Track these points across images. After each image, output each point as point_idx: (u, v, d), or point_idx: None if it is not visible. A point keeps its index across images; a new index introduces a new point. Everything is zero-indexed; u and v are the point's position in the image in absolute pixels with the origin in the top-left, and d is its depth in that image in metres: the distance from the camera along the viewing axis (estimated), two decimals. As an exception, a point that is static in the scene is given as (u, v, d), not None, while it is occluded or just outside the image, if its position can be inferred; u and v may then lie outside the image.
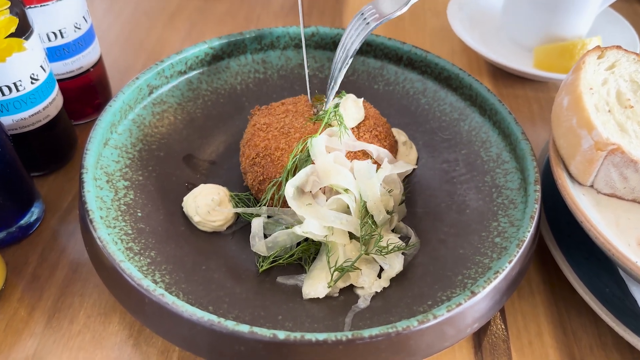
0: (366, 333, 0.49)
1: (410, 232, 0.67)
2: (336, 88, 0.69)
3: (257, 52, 0.83)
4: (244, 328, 0.48)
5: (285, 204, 0.65)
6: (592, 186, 0.66)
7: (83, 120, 0.87)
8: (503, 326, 0.64)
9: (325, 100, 0.70)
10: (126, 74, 0.96)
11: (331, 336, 0.48)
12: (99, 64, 0.84)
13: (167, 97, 0.77)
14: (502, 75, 0.98)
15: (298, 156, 0.64)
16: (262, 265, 0.63)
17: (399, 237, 0.67)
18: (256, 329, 0.48)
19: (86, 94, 0.84)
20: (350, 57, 0.67)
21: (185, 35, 1.07)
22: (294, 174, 0.64)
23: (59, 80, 0.79)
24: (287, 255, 0.63)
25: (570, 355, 0.62)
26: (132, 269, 0.53)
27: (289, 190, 0.62)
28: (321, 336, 0.48)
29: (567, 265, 0.65)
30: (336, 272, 0.61)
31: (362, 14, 0.68)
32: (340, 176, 0.63)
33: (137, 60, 1.00)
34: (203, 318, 0.49)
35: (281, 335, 0.48)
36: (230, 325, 0.49)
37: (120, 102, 0.70)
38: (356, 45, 0.67)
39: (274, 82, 0.83)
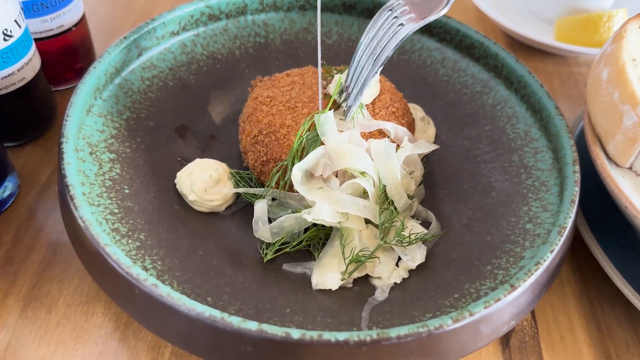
0: (393, 333, 0.42)
1: (431, 216, 0.60)
2: (359, 101, 0.58)
3: (258, 13, 0.75)
4: (251, 325, 0.42)
5: (292, 190, 0.58)
6: (630, 168, 0.59)
7: (63, 87, 0.79)
8: (532, 320, 0.58)
9: (340, 88, 0.61)
10: (112, 36, 0.87)
11: (353, 336, 0.41)
12: (81, 23, 0.75)
13: (157, 60, 0.69)
14: (520, 48, 0.91)
15: (305, 135, 0.57)
16: (266, 254, 0.56)
17: (418, 221, 0.60)
18: (266, 327, 0.41)
19: (67, 56, 0.76)
20: (380, 66, 0.56)
21: (176, -3, 0.98)
22: (301, 156, 0.57)
23: (36, 40, 0.70)
24: (294, 243, 0.56)
25: (606, 352, 0.56)
26: (119, 254, 0.46)
27: (296, 174, 0.54)
28: (341, 336, 0.41)
29: (602, 253, 0.59)
30: (351, 263, 0.54)
31: (391, 10, 0.56)
32: (356, 158, 0.55)
33: (125, 22, 0.91)
34: (204, 313, 0.42)
35: (295, 334, 0.41)
36: (236, 322, 0.42)
37: (105, 64, 0.62)
38: (388, 53, 0.55)
39: (276, 48, 0.75)
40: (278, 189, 0.58)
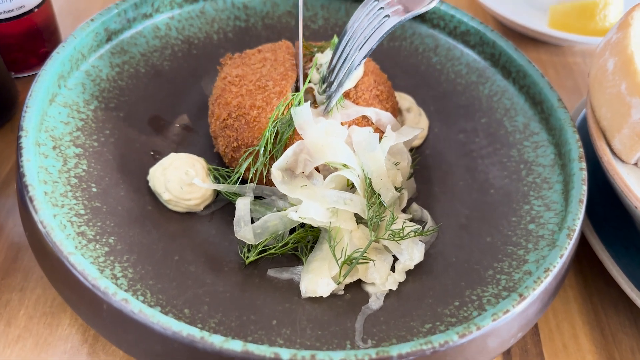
0: (394, 351, 0.38)
1: (426, 215, 0.56)
2: (340, 93, 0.55)
3: (238, -5, 0.69)
4: (235, 346, 0.37)
5: (267, 181, 0.54)
6: (636, 164, 0.56)
7: (26, 73, 0.72)
8: (534, 327, 0.54)
9: (322, 87, 0.57)
10: (79, 18, 0.81)
11: (350, 356, 0.37)
12: (45, 3, 0.69)
13: (128, 45, 0.63)
14: (512, 36, 0.87)
15: (279, 120, 0.52)
16: (247, 257, 0.51)
17: (411, 220, 0.56)
18: (252, 347, 0.37)
19: (30, 40, 0.70)
20: (363, 59, 0.53)
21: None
22: (274, 142, 0.52)
23: (-7, 22, 0.64)
24: (279, 245, 0.52)
25: (611, 360, 0.53)
26: (85, 264, 0.41)
27: (276, 174, 0.51)
28: (337, 356, 0.37)
29: (607, 255, 0.56)
30: (344, 264, 0.50)
31: (378, 0, 0.53)
32: (336, 151, 0.51)
33: (93, 3, 0.85)
34: (181, 333, 0.37)
35: (285, 355, 0.37)
36: (218, 342, 0.37)
37: (70, 49, 0.56)
38: (372, 45, 0.52)
39: (257, 32, 0.70)
40: (248, 176, 0.54)
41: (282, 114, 0.53)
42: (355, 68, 0.54)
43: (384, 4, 0.53)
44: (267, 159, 0.52)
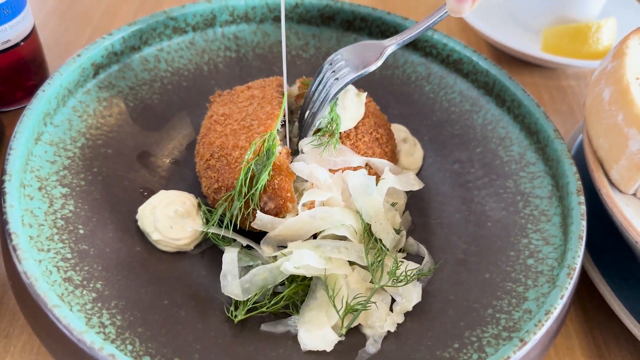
0: (392, 405, 0.36)
1: (423, 250, 0.55)
2: (311, 131, 0.57)
3: (228, 25, 0.68)
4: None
5: (248, 225, 0.52)
6: (634, 194, 0.55)
7: (13, 107, 0.71)
8: (535, 365, 0.53)
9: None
10: (67, 50, 0.80)
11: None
12: (31, 37, 0.68)
13: (116, 79, 0.62)
14: (506, 60, 0.87)
15: (254, 161, 0.51)
16: (235, 315, 0.49)
17: (407, 256, 0.55)
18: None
19: (16, 73, 0.69)
20: (318, 120, 0.56)
21: (138, 6, 0.91)
22: (250, 185, 0.50)
23: (-21, 56, 0.63)
24: (271, 303, 0.49)
25: (614, 398, 0.52)
26: (70, 318, 0.39)
27: (267, 251, 0.52)
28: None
29: (608, 289, 0.55)
30: (347, 314, 0.48)
31: (331, 64, 0.57)
32: (326, 223, 0.51)
33: (81, 35, 0.84)
34: (170, 390, 0.36)
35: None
36: (209, 400, 0.35)
37: (57, 86, 0.55)
38: (323, 112, 0.55)
39: (248, 63, 0.69)
40: (224, 222, 0.52)
41: (257, 153, 0.51)
42: (313, 126, 0.56)
43: (336, 67, 0.56)
44: (243, 203, 0.50)
